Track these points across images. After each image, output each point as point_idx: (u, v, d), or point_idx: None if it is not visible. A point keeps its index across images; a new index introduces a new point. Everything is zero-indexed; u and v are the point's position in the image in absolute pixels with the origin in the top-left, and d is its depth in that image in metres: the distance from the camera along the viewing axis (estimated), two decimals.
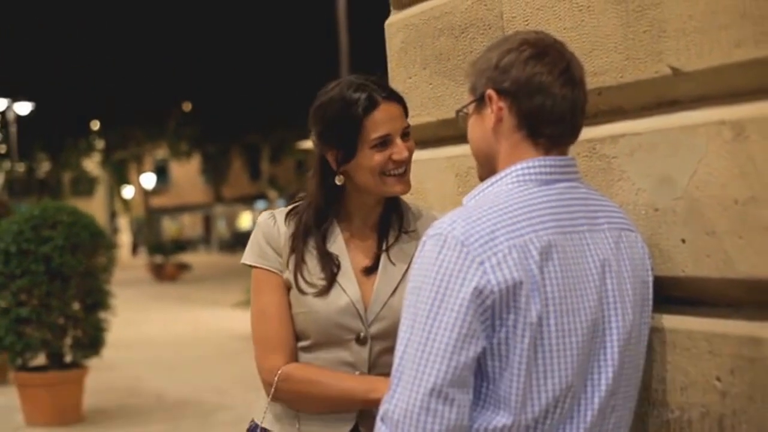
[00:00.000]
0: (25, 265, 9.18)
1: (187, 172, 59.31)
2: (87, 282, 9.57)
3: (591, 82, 2.41)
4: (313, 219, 2.72)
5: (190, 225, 69.35)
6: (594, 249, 2.06)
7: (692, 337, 2.20)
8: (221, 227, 67.30)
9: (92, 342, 9.66)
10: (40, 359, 9.70)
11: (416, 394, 1.90)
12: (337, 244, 2.71)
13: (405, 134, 2.68)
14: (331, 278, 2.66)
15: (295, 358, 2.68)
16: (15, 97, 36.81)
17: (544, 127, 2.10)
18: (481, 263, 1.93)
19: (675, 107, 2.26)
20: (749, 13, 2.02)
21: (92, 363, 9.86)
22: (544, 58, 2.08)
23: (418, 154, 3.14)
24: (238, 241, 54.81)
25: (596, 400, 2.03)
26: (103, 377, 11.15)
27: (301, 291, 2.65)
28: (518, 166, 2.10)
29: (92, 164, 52.55)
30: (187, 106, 44.86)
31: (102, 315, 9.77)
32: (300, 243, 2.69)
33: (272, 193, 50.84)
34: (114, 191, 58.97)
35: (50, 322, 9.30)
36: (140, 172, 54.49)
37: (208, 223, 67.90)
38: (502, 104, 2.11)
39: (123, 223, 60.87)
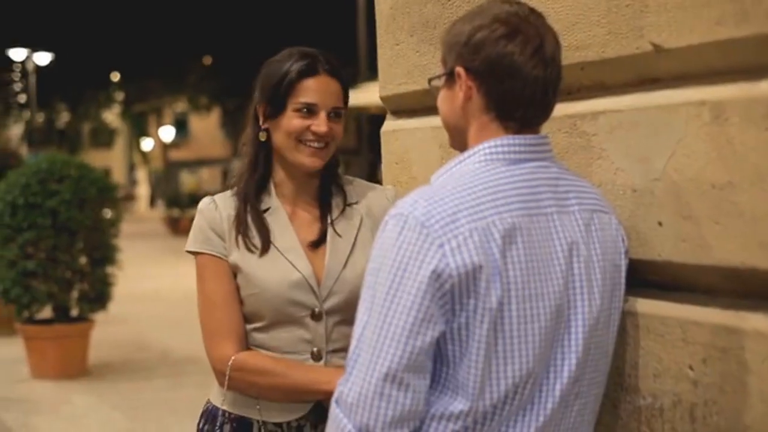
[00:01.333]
0: (32, 219, 9.20)
1: (207, 126, 59.21)
2: (94, 236, 9.57)
3: (573, 57, 2.35)
4: (251, 185, 2.73)
5: (208, 179, 69.42)
6: (561, 232, 2.00)
7: (666, 323, 2.13)
8: None
9: (98, 296, 9.70)
10: (47, 312, 9.72)
11: (371, 378, 1.85)
12: (281, 219, 2.71)
13: (336, 114, 2.70)
14: (266, 239, 2.66)
15: (245, 346, 2.67)
16: (34, 48, 36.70)
17: (513, 110, 2.03)
18: (441, 246, 1.87)
19: (656, 85, 2.18)
20: None
21: (99, 317, 9.89)
22: (516, 37, 2.00)
23: (404, 123, 3.08)
24: None
25: (558, 386, 1.98)
26: (109, 331, 11.18)
27: (249, 250, 2.64)
28: (486, 145, 2.03)
29: (112, 116, 52.62)
30: (207, 60, 44.70)
31: (109, 269, 9.78)
32: (242, 214, 2.68)
33: None
34: (133, 143, 59.10)
35: (56, 275, 9.31)
36: (159, 124, 54.55)
37: (226, 177, 67.95)
38: (471, 83, 2.04)
39: (141, 175, 61.06)
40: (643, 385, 2.19)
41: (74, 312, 9.73)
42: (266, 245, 2.65)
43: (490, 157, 2.01)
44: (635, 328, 2.20)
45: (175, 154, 60.93)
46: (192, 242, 2.73)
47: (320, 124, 2.66)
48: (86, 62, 40.73)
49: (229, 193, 2.78)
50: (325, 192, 2.77)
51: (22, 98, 43.05)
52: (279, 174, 2.76)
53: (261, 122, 2.72)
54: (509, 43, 1.99)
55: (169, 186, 53.56)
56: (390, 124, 3.21)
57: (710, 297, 2.08)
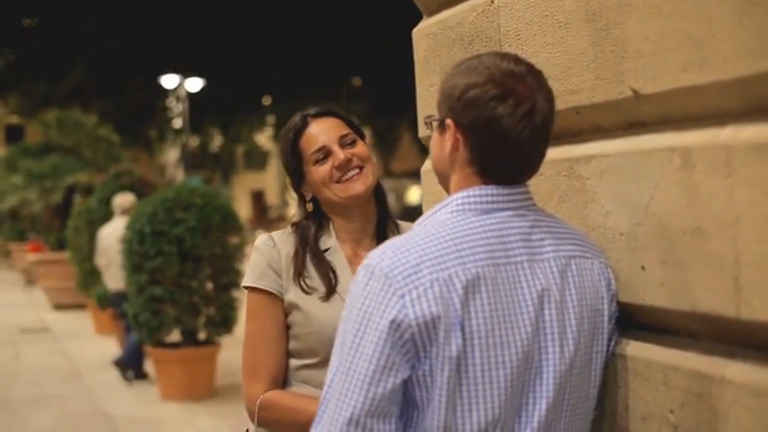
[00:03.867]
0: (159, 246, 9.49)
1: None
2: (219, 262, 9.82)
3: (569, 101, 2.38)
4: (310, 227, 2.82)
5: None
6: (531, 279, 2.03)
7: (650, 366, 2.14)
8: (390, 201, 67.69)
9: (224, 320, 9.93)
10: (175, 336, 10.01)
11: (336, 423, 1.93)
12: (340, 260, 2.79)
13: (349, 142, 2.79)
14: (330, 285, 2.72)
15: (278, 385, 2.75)
16: (186, 74, 37.74)
17: (495, 169, 2.07)
18: (402, 296, 1.93)
19: (638, 130, 2.20)
20: (694, 35, 1.94)
21: (225, 341, 10.14)
22: (507, 99, 2.02)
23: None
24: (407, 215, 55.08)
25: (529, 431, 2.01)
26: (236, 354, 11.41)
27: (305, 292, 2.72)
28: (459, 195, 2.08)
29: (264, 138, 53.63)
30: (357, 82, 45.22)
31: (234, 294, 10.02)
32: (302, 254, 2.76)
33: None
34: None
35: (183, 300, 9.58)
36: None
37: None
38: (459, 136, 2.09)
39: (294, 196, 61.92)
40: (632, 427, 2.20)
41: (201, 336, 10.00)
42: (329, 288, 2.73)
43: (462, 207, 2.06)
44: (625, 370, 2.21)
45: None
46: (249, 278, 2.81)
47: (337, 156, 2.76)
48: (237, 87, 41.68)
49: (287, 231, 2.87)
50: (382, 235, 2.86)
51: (177, 123, 44.22)
52: (337, 222, 2.85)
53: (298, 193, 2.89)
54: (499, 105, 2.02)
55: None
56: (429, 164, 3.26)
57: (693, 341, 2.08)
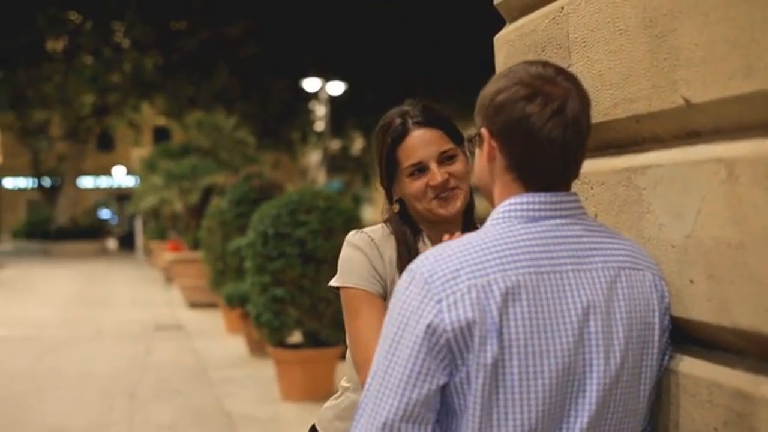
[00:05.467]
0: (282, 248, 9.61)
1: None
2: None
3: (629, 109, 2.35)
4: (408, 233, 2.76)
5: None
6: (577, 289, 2.00)
7: (697, 383, 2.09)
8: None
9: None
10: (297, 337, 10.13)
11: (371, 427, 1.95)
12: None
13: (447, 157, 2.69)
14: None
15: None
16: (328, 78, 38.17)
17: (533, 170, 2.06)
18: (439, 301, 1.93)
19: (693, 140, 2.14)
20: (739, 43, 1.89)
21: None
22: (535, 99, 2.02)
23: None
24: None
25: None
26: None
27: None
28: (506, 203, 2.07)
29: None
30: None
31: None
32: (407, 263, 2.72)
33: None
34: None
35: (304, 302, 9.68)
36: None
37: None
38: (493, 144, 2.09)
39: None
40: None
41: (322, 337, 10.09)
42: None
43: (508, 215, 2.05)
44: (676, 386, 2.16)
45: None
46: (352, 277, 2.73)
47: (434, 176, 2.69)
48: (379, 91, 41.98)
49: (380, 230, 2.82)
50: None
51: (319, 126, 44.75)
52: (423, 224, 2.81)
53: (387, 194, 2.82)
54: (528, 105, 2.02)
55: None
56: None
57: (737, 358, 2.03)
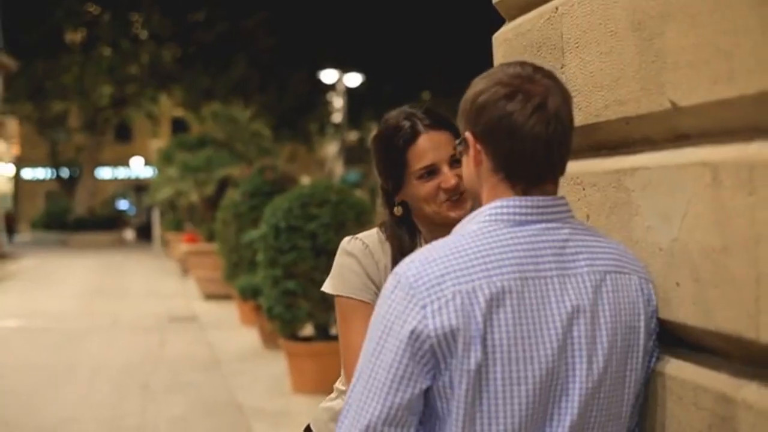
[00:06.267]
0: (293, 241, 9.62)
1: None
2: None
3: (619, 111, 2.35)
4: (405, 239, 2.75)
5: None
6: (561, 295, 2.00)
7: (684, 386, 2.09)
8: None
9: None
10: (308, 330, 10.15)
11: (354, 429, 1.95)
12: None
13: (457, 160, 2.65)
14: None
15: None
16: (345, 70, 38.19)
17: (519, 169, 2.06)
18: (423, 307, 1.93)
19: (681, 143, 2.14)
20: (723, 47, 1.89)
21: None
22: (515, 97, 2.03)
23: None
24: None
25: None
26: None
27: None
28: (491, 206, 2.07)
29: None
30: None
31: None
32: None
33: None
34: None
35: (315, 295, 9.70)
36: None
37: None
38: (478, 147, 2.09)
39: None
40: None
41: (334, 330, 10.10)
42: None
43: (493, 218, 2.05)
44: (663, 388, 2.17)
45: None
46: (342, 285, 2.74)
47: (447, 179, 2.67)
48: (396, 82, 41.99)
49: (375, 236, 2.80)
50: None
51: (337, 118, 44.80)
52: (426, 233, 2.77)
53: (391, 198, 2.77)
54: (508, 104, 2.03)
55: None
56: None
57: (721, 362, 2.03)
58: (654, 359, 2.20)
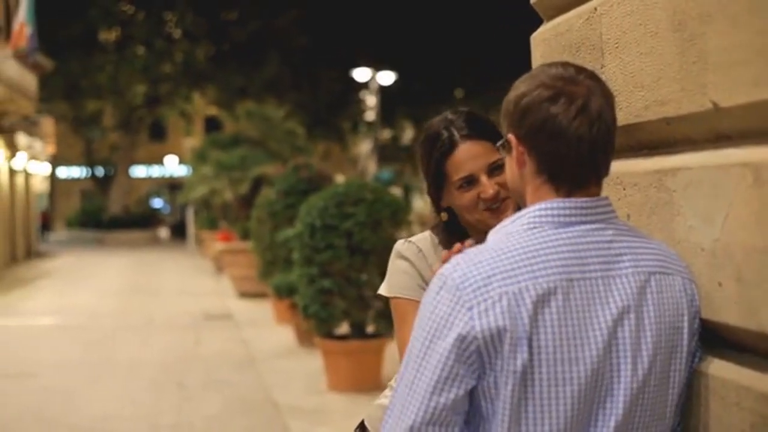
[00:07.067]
0: (329, 240, 9.67)
1: None
2: (387, 256, 9.87)
3: (659, 111, 2.35)
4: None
5: None
6: (606, 297, 2.01)
7: (726, 385, 2.09)
8: None
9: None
10: (344, 328, 10.19)
11: (398, 429, 1.98)
12: None
13: (496, 168, 2.68)
14: None
15: None
16: (378, 68, 38.17)
17: (563, 171, 2.07)
18: (470, 308, 1.95)
19: (718, 144, 2.14)
20: (763, 48, 1.89)
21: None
22: (559, 99, 2.04)
23: None
24: None
25: None
26: None
27: None
28: (535, 207, 2.08)
29: None
30: None
31: None
32: None
33: None
34: None
35: (351, 294, 9.73)
36: None
37: None
38: (522, 149, 2.10)
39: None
40: None
41: (370, 329, 10.13)
42: None
43: (538, 220, 2.06)
44: (706, 388, 2.17)
45: None
46: (397, 287, 2.79)
47: (485, 189, 2.68)
48: (429, 80, 41.93)
49: (428, 239, 2.83)
50: None
51: (370, 116, 44.82)
52: (472, 232, 2.78)
53: (435, 204, 2.81)
54: (552, 106, 2.04)
55: None
56: None
57: (766, 362, 2.03)
58: (697, 359, 2.20)
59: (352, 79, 39.73)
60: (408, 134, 50.55)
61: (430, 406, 1.95)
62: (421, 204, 52.48)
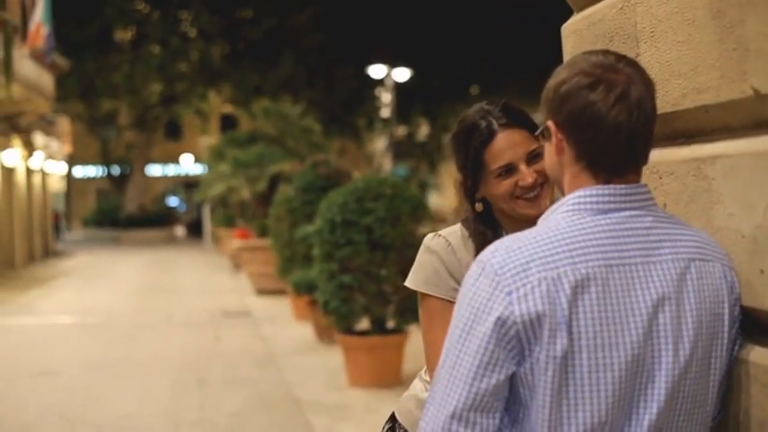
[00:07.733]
0: (349, 235, 9.67)
1: None
2: (408, 252, 9.90)
3: (697, 99, 2.34)
4: (481, 244, 2.74)
5: None
6: (646, 282, 2.01)
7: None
8: None
9: (413, 309, 10.00)
10: (365, 324, 10.19)
11: (441, 415, 1.98)
12: None
13: (535, 156, 2.68)
14: None
15: None
16: (393, 64, 38.15)
17: (601, 158, 2.07)
18: (509, 293, 1.95)
19: (759, 131, 2.14)
20: None
21: (413, 329, 10.22)
22: (598, 86, 2.04)
23: None
24: None
25: None
26: None
27: None
28: (574, 195, 2.08)
29: None
30: None
31: None
32: None
33: None
34: None
35: (371, 289, 9.73)
36: None
37: None
38: (561, 135, 2.10)
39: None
40: None
41: (390, 324, 10.13)
42: None
43: (577, 207, 2.06)
44: (747, 375, 2.16)
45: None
46: (424, 283, 2.77)
47: (524, 177, 2.69)
48: (445, 77, 41.93)
49: (458, 233, 2.82)
50: None
51: (385, 113, 44.80)
52: (505, 224, 2.79)
53: (470, 194, 2.80)
54: (591, 93, 2.04)
55: None
56: None
57: None
58: (737, 347, 2.19)
59: (368, 76, 39.75)
60: (423, 131, 50.54)
61: (471, 392, 1.95)
62: (437, 200, 52.48)
